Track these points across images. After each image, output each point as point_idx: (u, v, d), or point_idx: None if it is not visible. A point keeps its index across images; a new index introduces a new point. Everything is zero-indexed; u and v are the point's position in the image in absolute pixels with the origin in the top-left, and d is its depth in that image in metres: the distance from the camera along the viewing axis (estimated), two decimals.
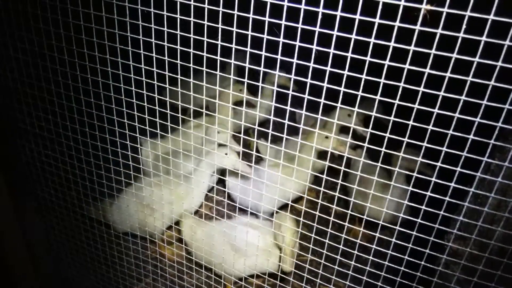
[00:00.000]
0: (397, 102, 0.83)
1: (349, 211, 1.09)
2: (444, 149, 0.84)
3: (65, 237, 2.03)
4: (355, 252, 1.09)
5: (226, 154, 2.16)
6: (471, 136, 0.80)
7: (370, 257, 1.05)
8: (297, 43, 0.85)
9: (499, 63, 0.72)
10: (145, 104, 1.32)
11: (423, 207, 0.92)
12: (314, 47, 0.84)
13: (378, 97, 0.83)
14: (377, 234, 1.02)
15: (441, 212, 0.90)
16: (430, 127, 0.82)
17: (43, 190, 1.86)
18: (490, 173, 0.84)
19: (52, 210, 1.94)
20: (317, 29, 0.82)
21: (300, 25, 0.84)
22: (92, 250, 1.97)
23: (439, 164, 0.86)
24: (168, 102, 1.31)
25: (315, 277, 1.32)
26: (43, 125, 1.63)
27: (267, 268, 1.90)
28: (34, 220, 2.03)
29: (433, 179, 0.88)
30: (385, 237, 1.02)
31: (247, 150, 2.31)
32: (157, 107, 1.30)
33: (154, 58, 1.14)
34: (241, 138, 2.89)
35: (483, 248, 0.92)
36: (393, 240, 1.00)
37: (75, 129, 1.52)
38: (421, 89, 0.79)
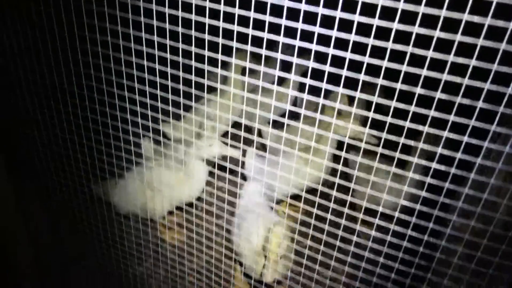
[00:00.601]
0: (403, 68, 0.81)
1: (350, 191, 1.07)
2: (452, 117, 0.82)
3: (66, 218, 2.02)
4: (357, 226, 1.08)
5: (210, 145, 2.13)
6: (479, 103, 0.78)
7: (372, 232, 1.04)
8: (300, 23, 0.83)
9: (503, 44, 0.70)
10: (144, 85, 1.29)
11: (428, 179, 0.90)
12: (317, 28, 0.81)
13: (382, 75, 0.81)
14: (380, 209, 1.01)
15: (446, 184, 0.88)
16: (438, 94, 0.80)
17: (44, 169, 1.85)
18: (498, 143, 0.82)
19: (53, 190, 1.93)
20: (320, 8, 0.79)
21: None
22: (93, 229, 1.96)
23: (445, 134, 0.84)
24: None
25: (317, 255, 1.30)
26: (43, 103, 1.61)
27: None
28: (34, 200, 2.02)
29: (439, 149, 0.86)
30: (388, 211, 1.01)
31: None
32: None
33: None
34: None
35: (487, 223, 0.90)
36: (396, 213, 0.98)
37: (76, 105, 1.50)
38: (430, 53, 0.77)
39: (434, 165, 0.87)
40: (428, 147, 0.86)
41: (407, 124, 0.86)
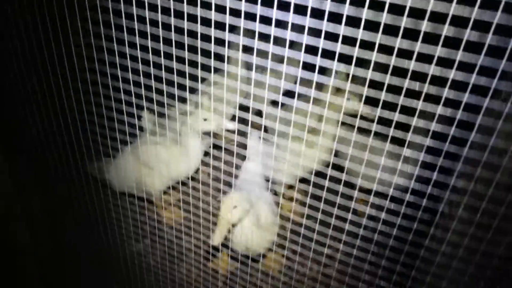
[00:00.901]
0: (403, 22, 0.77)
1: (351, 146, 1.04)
2: (460, 53, 0.78)
3: (62, 199, 1.99)
4: (358, 181, 1.04)
5: (205, 119, 2.08)
6: (488, 37, 0.74)
7: (374, 185, 1.00)
8: None
9: None
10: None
11: (431, 128, 0.86)
12: None
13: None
14: (382, 162, 0.97)
15: (451, 131, 0.84)
16: (444, 32, 0.76)
17: (39, 149, 1.81)
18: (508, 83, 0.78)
19: (49, 170, 1.89)
20: None
21: None
22: (89, 208, 1.93)
23: (452, 74, 0.80)
24: None
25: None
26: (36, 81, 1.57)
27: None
28: (31, 182, 1.99)
29: (445, 92, 0.82)
30: (389, 163, 0.97)
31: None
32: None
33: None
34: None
35: (494, 170, 0.87)
36: (399, 165, 0.95)
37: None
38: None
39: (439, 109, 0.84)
40: (433, 89, 0.83)
41: (411, 65, 0.82)
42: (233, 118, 2.67)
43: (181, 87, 1.24)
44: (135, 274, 2.06)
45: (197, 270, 1.94)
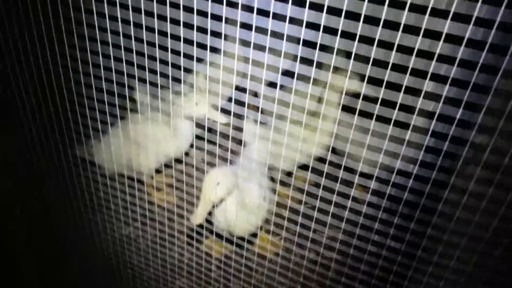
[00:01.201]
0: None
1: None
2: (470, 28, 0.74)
3: (52, 186, 1.93)
4: (363, 151, 1.01)
5: (196, 104, 2.02)
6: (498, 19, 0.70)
7: (385, 143, 0.96)
8: None
9: None
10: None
11: (446, 87, 0.82)
12: None
13: None
14: (391, 126, 0.94)
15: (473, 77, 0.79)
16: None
17: (29, 130, 1.75)
18: None
19: (37, 152, 1.83)
20: None
21: None
22: (78, 192, 1.88)
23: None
24: None
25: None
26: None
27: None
28: (20, 170, 1.93)
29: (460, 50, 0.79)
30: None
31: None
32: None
33: None
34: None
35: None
36: (412, 122, 0.92)
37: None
38: None
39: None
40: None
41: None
42: (228, 100, 2.62)
43: (174, 72, 1.20)
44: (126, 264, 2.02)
45: (189, 253, 1.91)
